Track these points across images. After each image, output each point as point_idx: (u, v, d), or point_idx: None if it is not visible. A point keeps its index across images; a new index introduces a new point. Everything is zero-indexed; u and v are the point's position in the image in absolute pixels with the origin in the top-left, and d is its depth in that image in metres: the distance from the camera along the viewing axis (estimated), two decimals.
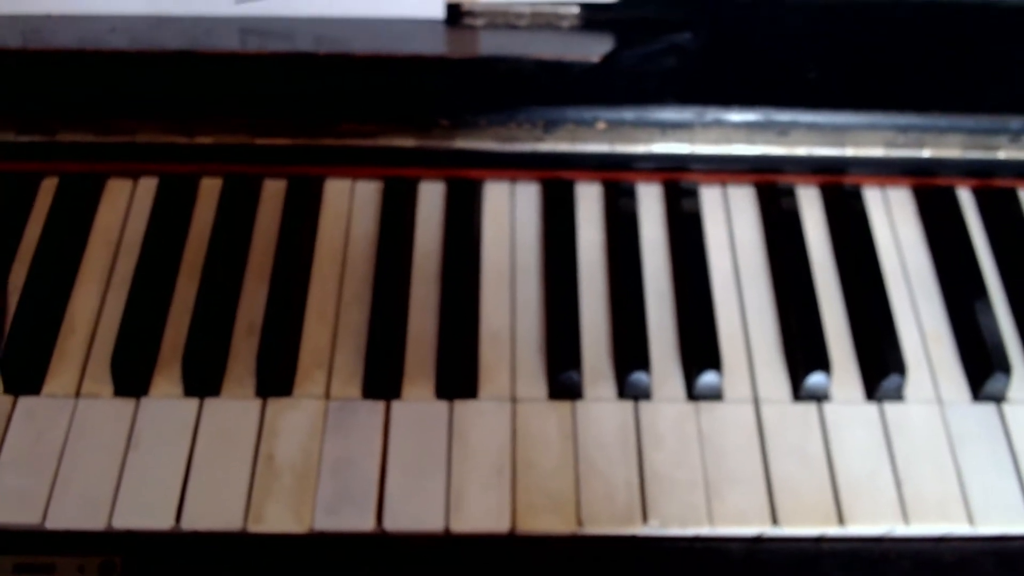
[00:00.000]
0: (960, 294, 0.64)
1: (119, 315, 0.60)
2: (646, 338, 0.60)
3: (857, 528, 0.55)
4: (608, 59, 0.63)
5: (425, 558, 0.55)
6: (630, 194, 0.67)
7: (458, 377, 0.58)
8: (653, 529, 0.55)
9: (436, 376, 0.59)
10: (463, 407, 0.58)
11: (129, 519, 0.53)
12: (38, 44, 0.60)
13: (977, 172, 0.68)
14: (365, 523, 0.54)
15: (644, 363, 0.59)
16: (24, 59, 0.62)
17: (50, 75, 0.62)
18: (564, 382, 0.58)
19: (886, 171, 0.68)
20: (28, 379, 0.58)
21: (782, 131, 0.64)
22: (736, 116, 0.63)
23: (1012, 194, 0.68)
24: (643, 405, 0.58)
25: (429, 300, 0.62)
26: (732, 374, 0.60)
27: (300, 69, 0.62)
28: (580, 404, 0.58)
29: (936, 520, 0.55)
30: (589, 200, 0.67)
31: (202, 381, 0.58)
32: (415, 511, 0.54)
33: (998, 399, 0.60)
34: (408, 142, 0.64)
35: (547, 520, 0.54)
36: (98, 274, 0.63)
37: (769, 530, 0.55)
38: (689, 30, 0.65)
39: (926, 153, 0.66)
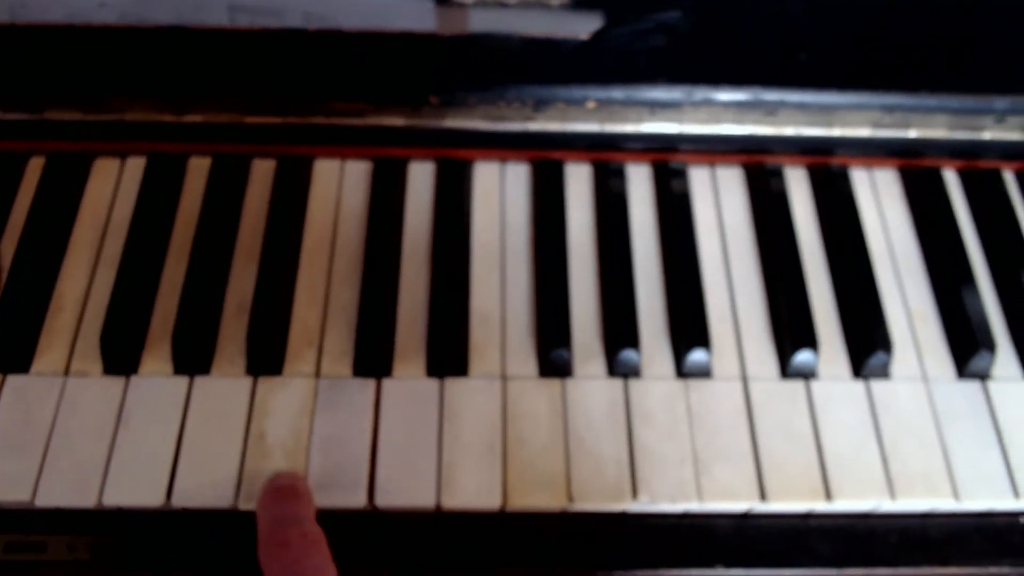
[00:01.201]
0: (945, 273, 0.64)
1: (108, 294, 0.60)
2: (635, 316, 0.61)
3: (844, 504, 0.56)
4: (598, 37, 0.63)
5: (417, 534, 0.55)
6: (620, 174, 0.67)
7: (449, 355, 0.58)
8: (643, 505, 0.55)
9: (427, 354, 0.59)
10: (454, 385, 0.58)
11: (119, 496, 0.53)
12: (25, 18, 0.59)
13: (963, 153, 0.69)
14: (356, 500, 0.54)
15: (634, 341, 0.59)
16: (11, 34, 0.61)
17: (37, 51, 0.62)
18: (554, 360, 0.59)
19: (873, 152, 0.68)
20: (17, 357, 0.58)
21: (770, 111, 0.64)
22: (725, 95, 0.63)
23: (996, 175, 0.69)
24: (633, 383, 0.59)
25: (419, 279, 0.62)
26: (720, 352, 0.60)
27: (289, 45, 0.62)
28: (570, 382, 0.59)
29: (922, 495, 0.56)
30: (579, 180, 0.67)
31: (192, 359, 0.57)
32: (406, 488, 0.54)
33: (983, 376, 0.61)
34: (398, 121, 0.64)
35: (538, 496, 0.55)
36: (86, 253, 0.62)
37: (757, 506, 0.55)
38: (678, 9, 0.65)
39: (912, 134, 0.67)
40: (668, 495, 0.55)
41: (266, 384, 0.57)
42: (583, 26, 0.62)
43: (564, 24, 0.62)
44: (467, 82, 0.61)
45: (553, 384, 0.58)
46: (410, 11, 0.60)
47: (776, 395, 0.59)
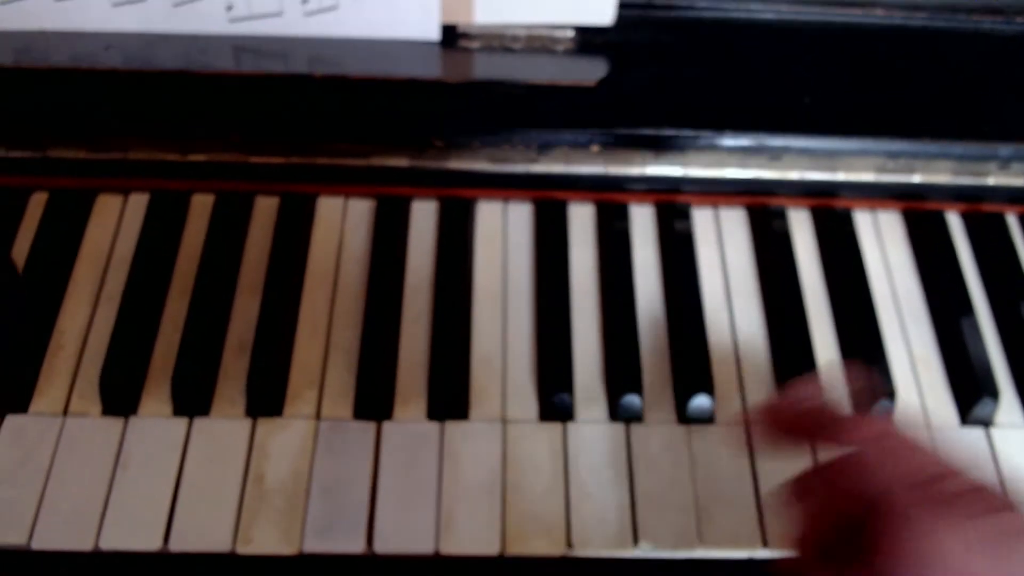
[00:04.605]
0: (949, 318, 0.64)
1: (108, 332, 0.60)
2: (638, 360, 0.60)
3: None
4: (603, 83, 0.63)
5: None
6: (623, 215, 0.67)
7: (449, 398, 0.58)
8: (644, 552, 0.55)
9: (428, 397, 0.59)
10: (454, 428, 0.57)
11: (117, 540, 0.53)
12: (30, 62, 0.59)
13: (966, 197, 0.69)
14: (355, 545, 0.53)
15: (636, 386, 0.59)
16: (16, 76, 0.61)
17: (42, 93, 0.61)
18: (556, 404, 0.58)
19: (877, 195, 0.68)
20: (15, 397, 0.57)
21: (774, 156, 0.64)
22: (729, 141, 0.63)
23: (1000, 219, 0.69)
24: (635, 428, 0.58)
25: (421, 319, 0.62)
26: (724, 397, 0.60)
27: (295, 90, 0.62)
28: (572, 426, 0.58)
29: None
30: (582, 220, 0.67)
31: (192, 400, 0.57)
32: (405, 533, 0.54)
33: (986, 423, 0.60)
34: (401, 162, 0.64)
35: (537, 543, 0.54)
36: (87, 290, 0.62)
37: (759, 553, 0.55)
38: (683, 55, 0.65)
39: (916, 178, 0.67)
40: (670, 542, 0.55)
41: (266, 426, 0.57)
42: (588, 72, 0.62)
43: (569, 70, 0.62)
44: (471, 127, 0.61)
45: (554, 428, 0.58)
46: (416, 56, 0.61)
47: None
